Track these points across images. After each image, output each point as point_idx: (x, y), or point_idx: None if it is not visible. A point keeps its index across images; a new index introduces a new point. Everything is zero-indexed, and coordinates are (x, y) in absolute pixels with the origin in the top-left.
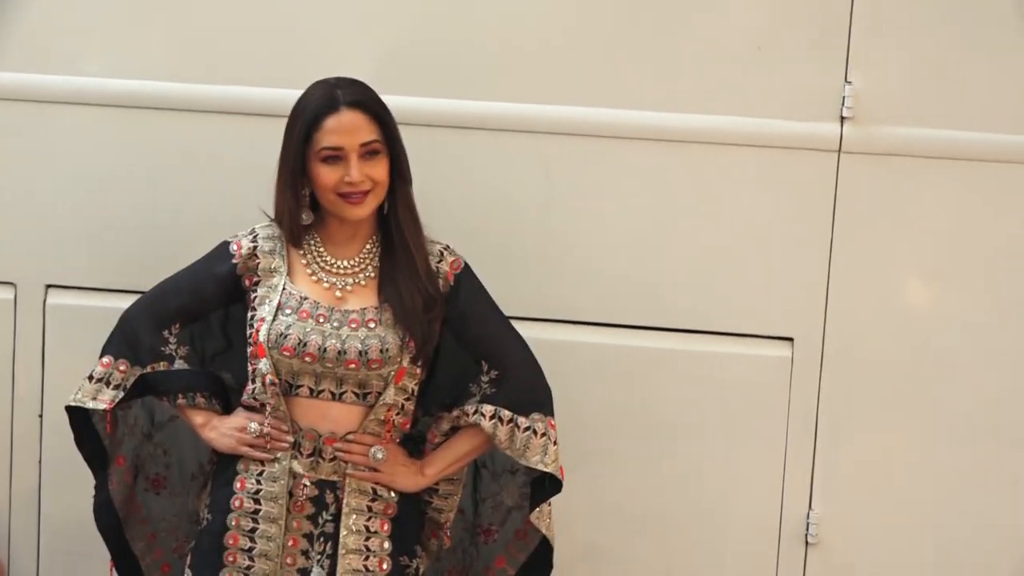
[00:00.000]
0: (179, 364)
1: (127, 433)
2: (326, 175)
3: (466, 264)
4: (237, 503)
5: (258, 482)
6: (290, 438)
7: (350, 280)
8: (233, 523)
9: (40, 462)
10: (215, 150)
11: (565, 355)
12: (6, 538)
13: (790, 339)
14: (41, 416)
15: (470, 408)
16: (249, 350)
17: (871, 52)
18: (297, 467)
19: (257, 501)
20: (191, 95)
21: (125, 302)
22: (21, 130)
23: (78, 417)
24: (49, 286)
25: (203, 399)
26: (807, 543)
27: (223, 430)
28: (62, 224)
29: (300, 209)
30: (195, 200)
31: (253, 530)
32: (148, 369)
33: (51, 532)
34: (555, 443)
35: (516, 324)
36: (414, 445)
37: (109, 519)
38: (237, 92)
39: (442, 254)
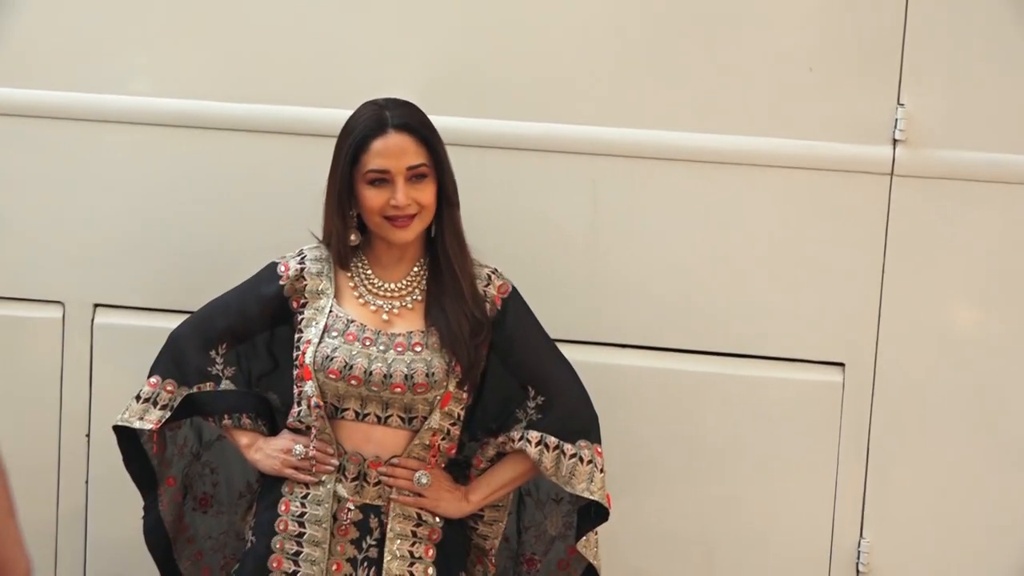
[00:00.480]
0: (225, 384)
1: (176, 454)
2: (372, 197)
3: (514, 288)
4: (281, 526)
5: (303, 505)
6: (335, 461)
7: (397, 303)
8: (277, 546)
9: (87, 482)
10: (264, 170)
11: (613, 379)
12: (53, 558)
13: (841, 364)
14: (88, 436)
15: (516, 434)
16: (295, 372)
17: (924, 74)
18: (341, 491)
19: (301, 524)
20: (239, 115)
21: (173, 321)
22: (69, 149)
23: (126, 437)
24: (97, 305)
25: (248, 420)
26: (858, 572)
27: (268, 451)
28: (110, 243)
29: (348, 231)
30: (243, 220)
31: (297, 553)
32: (195, 389)
33: (97, 552)
34: (602, 471)
35: (563, 347)
36: (460, 471)
37: (159, 539)
38: (286, 112)
39: (490, 278)
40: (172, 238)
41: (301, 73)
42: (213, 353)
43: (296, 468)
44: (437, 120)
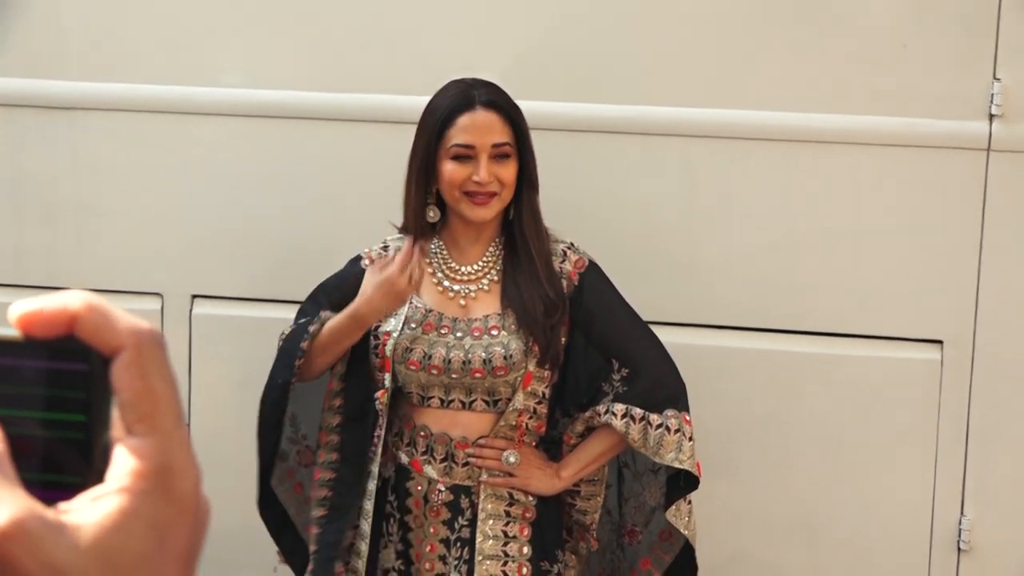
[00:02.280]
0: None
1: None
2: (454, 172)
3: (591, 262)
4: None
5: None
6: (415, 251)
7: (473, 287)
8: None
9: None
10: (358, 159)
11: (710, 360)
12: None
13: (939, 342)
14: (188, 426)
15: (602, 408)
16: (375, 361)
17: (1020, 48)
18: (431, 472)
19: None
20: (332, 104)
21: (270, 311)
22: (164, 142)
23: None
24: (195, 296)
25: (328, 313)
26: (959, 550)
27: (358, 301)
28: (206, 235)
29: (427, 206)
30: (339, 209)
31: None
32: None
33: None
34: (690, 439)
35: (660, 329)
36: (554, 448)
37: (272, 513)
38: (379, 100)
39: (565, 253)
40: (268, 229)
41: (394, 61)
42: (311, 328)
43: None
44: (529, 104)
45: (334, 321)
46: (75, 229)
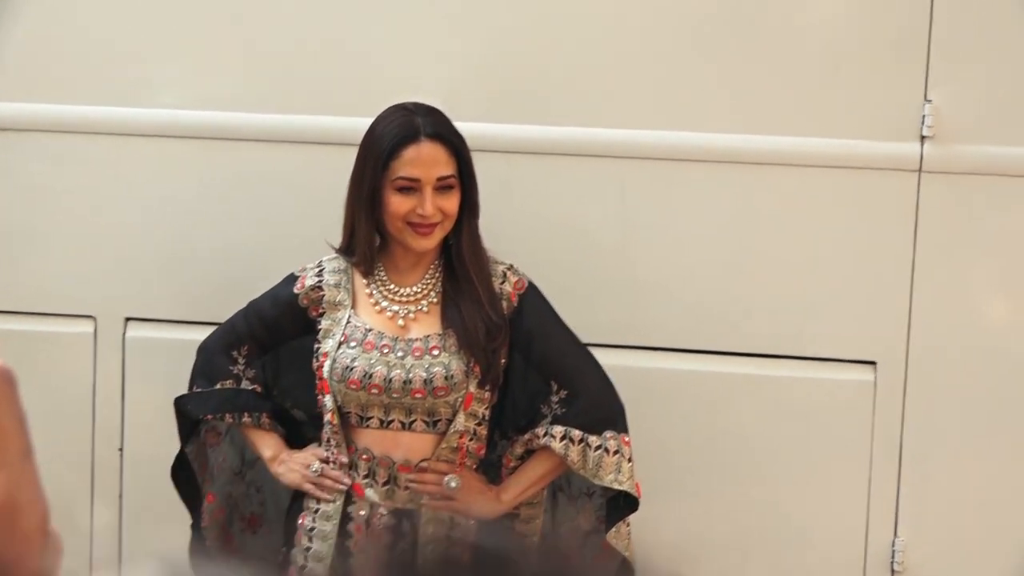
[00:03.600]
0: (245, 384)
1: (216, 469)
2: (398, 204)
3: (531, 284)
4: (296, 539)
5: (313, 520)
6: (345, 484)
7: (413, 307)
8: (292, 559)
9: (120, 496)
10: (292, 180)
11: (643, 382)
12: (87, 572)
13: (873, 363)
14: (121, 450)
15: (540, 430)
16: (316, 384)
17: (951, 70)
18: (373, 496)
19: (310, 539)
20: (266, 125)
21: (204, 334)
22: (99, 162)
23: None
24: (128, 319)
25: (268, 420)
26: (892, 571)
27: (291, 465)
28: (140, 257)
29: (372, 234)
30: (271, 230)
31: (303, 567)
32: (217, 386)
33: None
34: (630, 460)
35: (594, 350)
36: (493, 471)
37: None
38: (312, 122)
39: (505, 275)
40: (202, 250)
41: (326, 83)
42: (235, 353)
43: (314, 484)
44: (463, 126)
45: (249, 434)
46: (7, 251)
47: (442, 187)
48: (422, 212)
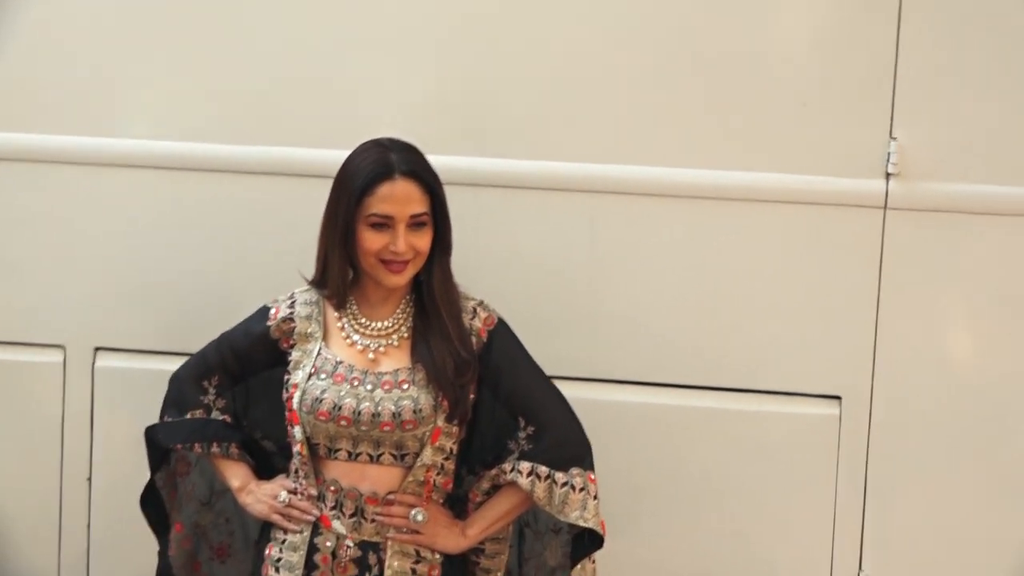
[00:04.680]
0: (215, 415)
1: (185, 499)
2: (371, 240)
3: (500, 320)
4: (263, 570)
5: (280, 550)
6: (313, 515)
7: (383, 341)
8: None
9: (88, 526)
10: (262, 211)
11: (609, 415)
12: None
13: (838, 397)
14: (90, 480)
15: (507, 466)
16: (286, 416)
17: (916, 108)
18: (340, 527)
19: (277, 570)
20: (237, 157)
21: (174, 364)
22: (68, 192)
23: (149, 489)
24: (98, 349)
25: (237, 450)
26: None
27: (259, 495)
28: (110, 287)
29: (345, 269)
30: (243, 262)
31: None
32: (187, 416)
33: None
34: (595, 497)
35: (560, 383)
36: (459, 505)
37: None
38: (283, 153)
39: (475, 311)
40: (172, 280)
41: (297, 115)
42: (205, 383)
43: (281, 514)
44: (434, 159)
45: (218, 463)
46: None
47: (415, 224)
48: (395, 249)
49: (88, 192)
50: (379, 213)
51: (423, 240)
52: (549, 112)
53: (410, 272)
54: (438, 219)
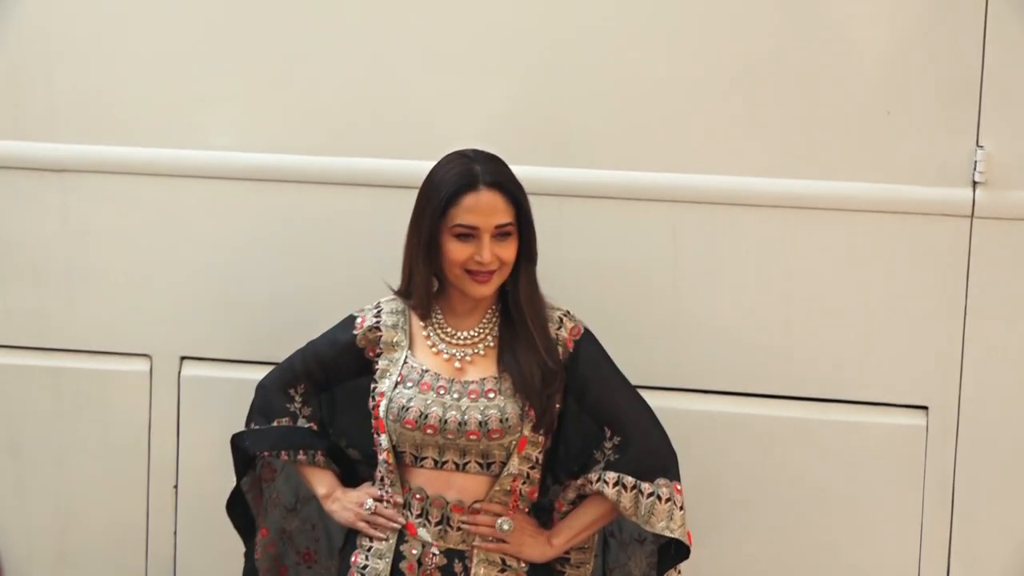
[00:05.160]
0: (302, 423)
1: (270, 504)
2: (457, 251)
3: (586, 330)
4: None
5: (366, 558)
6: (399, 523)
7: (469, 351)
8: None
9: (175, 534)
10: (345, 222)
11: (693, 424)
12: None
13: (925, 407)
14: (176, 487)
15: (593, 476)
16: (372, 424)
17: (1003, 116)
18: (425, 535)
19: None
20: (320, 168)
21: (258, 373)
22: (154, 204)
23: (236, 494)
24: (184, 358)
25: (323, 458)
26: None
27: (345, 503)
28: (196, 296)
29: (432, 280)
30: (326, 272)
31: None
32: (273, 424)
33: None
34: (681, 508)
35: (645, 393)
36: (544, 515)
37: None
38: (366, 164)
39: (562, 321)
40: (256, 290)
41: (380, 125)
42: (292, 391)
43: (367, 522)
44: (516, 169)
45: (304, 471)
46: (64, 291)
47: (500, 234)
48: (480, 260)
49: (174, 203)
50: (464, 224)
51: (508, 250)
52: (631, 122)
53: (496, 282)
54: (523, 229)
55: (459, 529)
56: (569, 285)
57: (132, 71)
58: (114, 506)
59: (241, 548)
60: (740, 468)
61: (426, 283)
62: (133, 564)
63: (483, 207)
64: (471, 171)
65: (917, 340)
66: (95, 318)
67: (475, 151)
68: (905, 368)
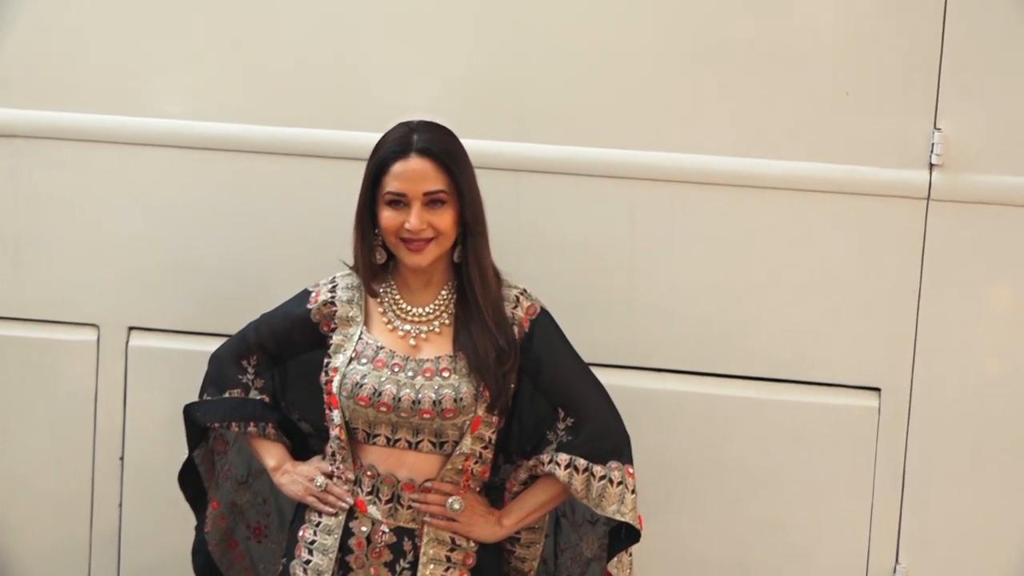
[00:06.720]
0: (254, 394)
1: (222, 478)
2: (388, 218)
3: (543, 309)
4: (296, 551)
5: (314, 533)
6: (348, 502)
7: (425, 328)
8: (291, 571)
9: (121, 505)
10: (298, 193)
11: (647, 403)
12: None
13: (877, 389)
14: (122, 459)
15: (545, 457)
16: (325, 399)
17: (960, 98)
18: (375, 513)
19: (311, 552)
20: (274, 138)
21: (207, 345)
22: (105, 171)
23: (188, 466)
24: (132, 328)
25: (274, 430)
26: None
27: (294, 476)
28: (144, 266)
29: (372, 250)
30: (278, 243)
31: None
32: (225, 395)
33: (131, 575)
34: (633, 492)
35: (600, 371)
36: (495, 494)
37: (202, 561)
38: (321, 135)
39: (518, 299)
40: (207, 261)
41: (335, 96)
42: (244, 363)
43: (317, 497)
44: (473, 144)
45: (254, 443)
46: (12, 259)
47: (432, 202)
48: (409, 227)
49: (122, 172)
50: (392, 191)
51: (441, 218)
52: (588, 98)
53: (432, 251)
54: (460, 198)
55: (409, 507)
56: (524, 261)
57: (84, 36)
58: (59, 476)
59: (186, 521)
60: (692, 447)
61: (366, 253)
62: (78, 534)
63: (411, 173)
64: (406, 139)
65: (871, 322)
66: (42, 286)
67: (419, 121)
68: (858, 349)
